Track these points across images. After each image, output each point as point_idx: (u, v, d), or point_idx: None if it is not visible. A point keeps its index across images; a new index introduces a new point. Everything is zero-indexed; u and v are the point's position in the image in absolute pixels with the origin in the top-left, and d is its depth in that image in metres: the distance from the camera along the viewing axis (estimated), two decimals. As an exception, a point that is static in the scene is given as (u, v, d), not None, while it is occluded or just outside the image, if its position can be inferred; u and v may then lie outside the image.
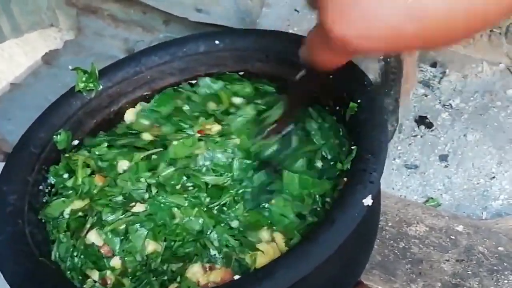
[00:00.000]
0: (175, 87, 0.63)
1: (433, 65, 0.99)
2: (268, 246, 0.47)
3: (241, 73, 0.63)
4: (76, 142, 0.58)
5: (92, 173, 0.55)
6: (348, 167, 0.46)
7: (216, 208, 0.50)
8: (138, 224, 0.49)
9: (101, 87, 0.60)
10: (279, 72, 0.60)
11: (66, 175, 0.55)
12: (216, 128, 0.57)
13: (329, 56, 0.38)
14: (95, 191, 0.53)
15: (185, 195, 0.51)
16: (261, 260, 0.45)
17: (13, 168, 0.52)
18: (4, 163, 0.52)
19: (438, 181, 0.82)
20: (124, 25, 1.18)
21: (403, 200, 0.73)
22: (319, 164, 0.52)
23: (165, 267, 0.47)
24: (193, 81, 0.64)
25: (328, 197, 0.48)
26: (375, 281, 0.63)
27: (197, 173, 0.52)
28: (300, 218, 0.48)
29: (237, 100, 0.60)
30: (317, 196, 0.48)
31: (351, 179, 0.44)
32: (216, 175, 0.52)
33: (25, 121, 0.56)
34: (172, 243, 0.48)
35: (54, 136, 0.56)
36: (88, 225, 0.50)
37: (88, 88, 0.59)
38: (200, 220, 0.49)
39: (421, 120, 0.91)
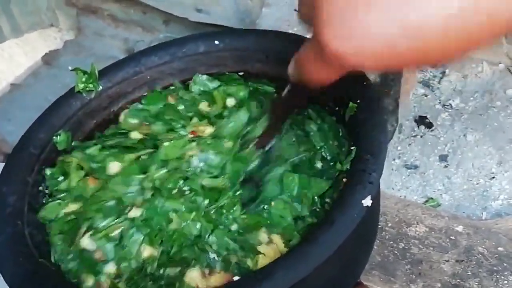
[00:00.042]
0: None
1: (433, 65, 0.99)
2: (268, 248, 0.46)
3: (241, 73, 0.63)
4: (76, 142, 0.58)
5: (87, 175, 0.54)
6: (348, 167, 0.46)
7: (214, 211, 0.50)
8: (134, 229, 0.48)
9: (100, 87, 0.59)
10: (279, 73, 0.60)
11: (61, 178, 0.54)
12: (209, 130, 0.57)
13: (322, 72, 0.38)
14: (87, 194, 0.52)
15: (182, 200, 0.50)
16: (262, 262, 0.45)
17: (12, 169, 0.52)
18: (4, 163, 0.52)
19: (438, 181, 0.82)
20: (124, 25, 1.18)
21: (402, 201, 0.73)
22: (318, 164, 0.52)
23: (161, 271, 0.46)
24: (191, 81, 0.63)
25: (328, 197, 0.48)
26: (374, 281, 0.63)
27: (194, 176, 0.52)
28: (299, 220, 0.48)
29: (231, 102, 0.60)
30: (315, 197, 0.48)
31: (350, 180, 0.44)
32: (211, 177, 0.52)
33: (25, 122, 0.56)
34: (170, 248, 0.48)
35: (54, 137, 0.56)
36: (81, 230, 0.49)
37: (87, 88, 0.59)
38: (198, 225, 0.48)
39: (421, 120, 0.91)
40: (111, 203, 0.51)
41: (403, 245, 0.66)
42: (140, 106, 0.62)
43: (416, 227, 0.68)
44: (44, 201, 0.53)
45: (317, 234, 0.40)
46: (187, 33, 0.68)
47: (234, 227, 0.49)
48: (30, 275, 0.43)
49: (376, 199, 0.53)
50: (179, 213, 0.49)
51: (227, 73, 0.63)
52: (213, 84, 0.62)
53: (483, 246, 0.65)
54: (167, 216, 0.49)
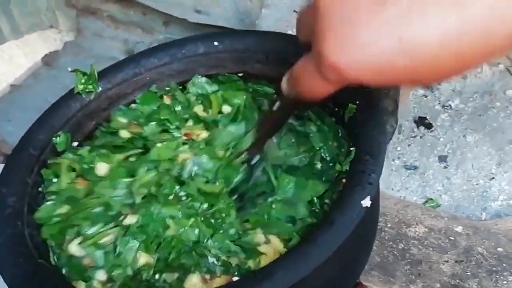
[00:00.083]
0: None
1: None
2: (268, 248, 0.47)
3: (240, 74, 0.63)
4: (75, 143, 0.58)
5: (78, 176, 0.54)
6: (347, 168, 0.46)
7: (212, 215, 0.49)
8: (130, 236, 0.48)
9: (100, 88, 0.59)
10: (279, 73, 0.59)
11: (55, 179, 0.54)
12: (204, 134, 0.57)
13: (318, 85, 0.38)
14: (76, 197, 0.52)
15: (179, 206, 0.49)
16: (264, 263, 0.45)
17: (12, 170, 0.52)
18: (4, 164, 0.52)
19: (438, 182, 0.82)
20: (123, 26, 1.18)
21: (402, 201, 0.73)
22: (318, 165, 0.52)
23: (157, 277, 0.46)
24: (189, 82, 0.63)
25: (327, 198, 0.48)
26: (374, 282, 0.63)
27: (189, 180, 0.52)
28: (298, 220, 0.48)
29: (227, 109, 0.60)
30: (314, 198, 0.48)
31: (350, 181, 0.44)
32: (207, 182, 0.52)
33: (25, 123, 0.56)
34: (167, 254, 0.47)
35: (54, 138, 0.56)
36: (68, 237, 0.49)
37: (87, 90, 0.58)
38: (196, 230, 0.48)
39: (421, 121, 0.91)
40: (98, 209, 0.50)
41: (402, 245, 0.66)
42: (133, 106, 0.62)
43: (415, 227, 0.68)
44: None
45: (317, 235, 0.40)
46: (186, 34, 0.69)
47: (232, 230, 0.48)
48: (30, 276, 0.43)
49: (375, 199, 0.53)
50: (176, 219, 0.49)
51: (226, 74, 0.63)
52: (212, 87, 0.62)
53: (483, 247, 0.65)
54: (163, 223, 0.49)
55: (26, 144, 0.54)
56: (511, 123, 0.87)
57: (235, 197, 0.51)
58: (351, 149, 0.47)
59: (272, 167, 0.52)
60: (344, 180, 0.45)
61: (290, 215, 0.48)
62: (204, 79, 0.62)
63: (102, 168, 0.54)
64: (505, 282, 0.62)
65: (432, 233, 0.67)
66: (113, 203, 0.51)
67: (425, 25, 0.30)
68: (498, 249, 0.65)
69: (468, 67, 0.33)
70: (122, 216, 0.50)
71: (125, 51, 1.15)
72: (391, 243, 0.67)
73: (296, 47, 0.43)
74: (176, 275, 0.45)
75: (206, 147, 0.55)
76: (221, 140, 0.56)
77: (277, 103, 0.51)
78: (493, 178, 0.80)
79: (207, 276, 0.45)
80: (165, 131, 0.58)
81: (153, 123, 0.59)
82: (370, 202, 0.41)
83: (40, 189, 0.53)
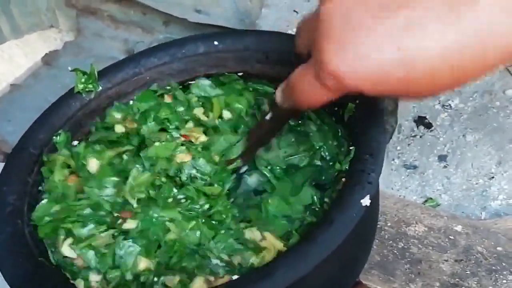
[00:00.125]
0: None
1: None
2: (269, 243, 0.47)
3: (241, 73, 0.63)
4: (75, 142, 0.58)
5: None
6: (347, 167, 0.46)
7: (212, 216, 0.50)
8: (130, 240, 0.48)
9: (100, 88, 0.60)
10: (279, 73, 0.60)
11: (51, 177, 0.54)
12: (202, 138, 0.57)
13: (315, 93, 0.39)
14: (67, 195, 0.52)
15: (179, 209, 0.49)
16: (268, 257, 0.45)
17: (12, 169, 0.52)
18: (4, 163, 0.52)
19: (437, 181, 0.82)
20: (123, 26, 1.18)
21: (402, 200, 0.73)
22: (318, 164, 0.52)
23: (155, 279, 0.45)
24: (192, 82, 0.63)
25: (327, 197, 0.48)
26: (374, 281, 0.63)
27: (187, 182, 0.52)
28: (296, 220, 0.48)
29: (227, 115, 0.60)
30: (314, 198, 0.48)
31: (349, 180, 0.44)
32: (206, 184, 0.52)
33: (25, 122, 0.56)
34: (168, 258, 0.47)
35: (54, 137, 0.56)
36: (60, 237, 0.49)
37: (87, 89, 0.59)
38: (197, 233, 0.48)
39: (420, 121, 0.91)
40: (87, 211, 0.50)
41: (402, 244, 0.67)
42: (130, 102, 0.62)
43: (415, 226, 0.68)
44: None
45: (316, 234, 0.40)
46: (186, 34, 0.69)
47: (232, 231, 0.48)
48: (30, 275, 0.44)
49: (375, 198, 0.53)
50: (177, 222, 0.49)
51: (226, 73, 0.63)
52: (215, 91, 0.62)
53: (482, 246, 0.66)
54: (163, 226, 0.49)
55: (26, 143, 0.54)
56: (511, 123, 0.87)
57: (231, 200, 0.52)
58: (351, 148, 0.47)
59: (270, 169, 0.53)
60: (343, 179, 0.45)
61: (286, 214, 0.48)
62: (207, 82, 0.62)
63: (93, 165, 0.54)
64: (504, 281, 0.62)
65: (432, 232, 0.68)
66: (103, 203, 0.51)
67: (426, 38, 0.31)
68: (498, 248, 0.65)
69: (468, 80, 0.33)
70: (121, 220, 0.49)
71: (125, 51, 1.15)
72: (391, 242, 0.67)
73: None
74: (177, 278, 0.45)
75: (203, 151, 0.55)
76: (218, 146, 0.56)
77: (269, 114, 0.51)
78: (492, 177, 0.80)
79: (211, 278, 0.45)
80: (164, 130, 0.58)
81: (152, 122, 0.58)
82: (369, 201, 0.41)
83: (40, 188, 0.53)
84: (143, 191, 0.51)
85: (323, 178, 0.51)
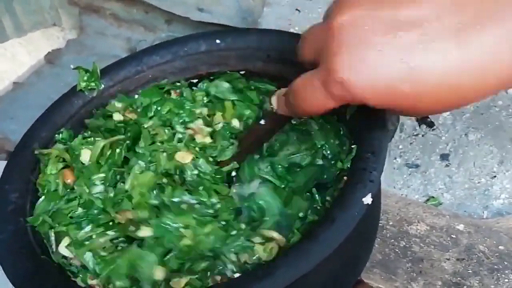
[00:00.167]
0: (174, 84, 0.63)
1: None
2: (274, 241, 0.46)
3: (242, 72, 0.63)
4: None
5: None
6: (349, 166, 0.46)
7: (220, 217, 0.49)
8: (147, 249, 0.46)
9: (102, 86, 0.60)
10: (281, 72, 0.60)
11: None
12: (207, 140, 0.57)
13: (319, 100, 0.39)
14: (58, 193, 0.51)
15: (194, 214, 0.48)
16: (275, 250, 0.45)
17: (15, 167, 0.52)
18: (7, 161, 0.53)
19: (439, 180, 0.82)
20: (126, 25, 1.19)
21: (404, 199, 0.73)
22: (320, 163, 0.52)
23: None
24: (194, 80, 0.63)
25: (328, 195, 0.48)
26: (375, 279, 0.63)
27: (195, 184, 0.52)
28: (296, 219, 0.48)
29: (236, 124, 0.59)
30: (316, 196, 0.49)
31: (351, 178, 0.44)
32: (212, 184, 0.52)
33: (28, 120, 0.56)
34: (180, 264, 0.45)
35: (56, 135, 0.56)
36: (52, 238, 0.49)
37: (89, 87, 0.59)
38: (212, 237, 0.47)
39: (422, 120, 0.91)
40: (80, 211, 0.50)
41: (404, 243, 0.66)
42: (135, 96, 0.62)
43: (417, 225, 0.68)
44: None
45: (318, 232, 0.40)
46: (189, 32, 0.69)
47: (243, 228, 0.48)
48: (32, 272, 0.44)
49: (376, 197, 0.53)
50: (191, 227, 0.48)
51: (228, 72, 0.63)
52: (232, 96, 0.61)
53: (484, 245, 0.65)
54: (178, 233, 0.47)
55: (29, 141, 0.54)
56: (513, 122, 0.87)
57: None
58: (353, 146, 0.47)
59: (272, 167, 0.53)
60: (345, 178, 0.45)
61: (287, 213, 0.48)
62: (227, 85, 0.62)
63: (86, 155, 0.53)
64: (506, 280, 0.62)
65: (434, 231, 0.67)
66: (94, 200, 0.50)
67: (430, 57, 0.33)
68: (500, 247, 0.65)
69: (468, 101, 0.35)
70: (133, 228, 0.48)
71: (128, 49, 1.15)
72: (392, 240, 0.67)
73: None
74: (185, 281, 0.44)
75: (200, 151, 0.55)
76: (212, 149, 0.56)
77: (263, 120, 0.52)
78: (495, 176, 0.80)
79: (218, 278, 0.45)
80: (166, 125, 0.58)
81: (153, 116, 0.58)
82: (371, 199, 0.41)
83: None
84: (149, 195, 0.50)
85: (325, 176, 0.51)
